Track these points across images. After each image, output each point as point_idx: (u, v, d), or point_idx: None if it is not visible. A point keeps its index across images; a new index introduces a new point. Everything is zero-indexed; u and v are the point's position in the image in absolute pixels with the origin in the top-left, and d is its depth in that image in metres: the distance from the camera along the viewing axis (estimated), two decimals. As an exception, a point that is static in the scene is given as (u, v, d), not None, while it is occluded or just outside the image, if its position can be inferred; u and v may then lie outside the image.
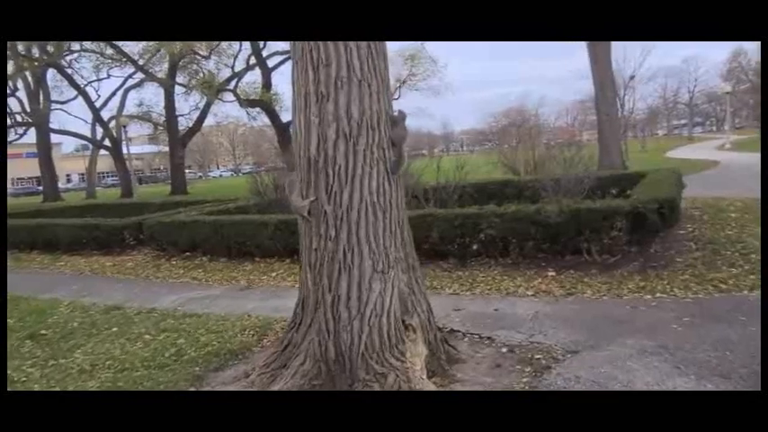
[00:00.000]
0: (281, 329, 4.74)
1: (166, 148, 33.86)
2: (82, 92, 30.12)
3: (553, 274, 6.25)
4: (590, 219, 6.24)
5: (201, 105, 30.32)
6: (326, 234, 3.43)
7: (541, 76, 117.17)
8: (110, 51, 26.92)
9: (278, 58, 27.00)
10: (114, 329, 5.50)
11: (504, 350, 4.14)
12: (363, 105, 3.38)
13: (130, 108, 32.51)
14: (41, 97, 31.35)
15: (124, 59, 27.49)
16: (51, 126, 32.93)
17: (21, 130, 33.33)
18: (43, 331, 5.57)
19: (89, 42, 25.28)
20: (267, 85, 26.42)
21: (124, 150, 30.56)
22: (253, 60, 27.26)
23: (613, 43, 16.99)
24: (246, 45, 26.44)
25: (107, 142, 31.92)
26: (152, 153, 54.06)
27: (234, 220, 8.90)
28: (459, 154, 49.16)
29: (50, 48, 25.80)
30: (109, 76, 30.62)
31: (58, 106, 33.05)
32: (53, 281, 8.84)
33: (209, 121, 35.60)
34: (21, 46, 24.29)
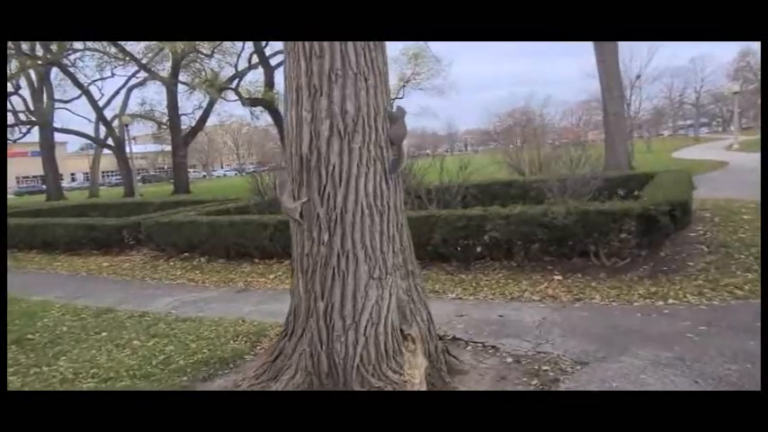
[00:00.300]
0: (276, 336, 4.52)
1: (169, 147, 33.69)
2: (85, 91, 30.03)
3: (560, 278, 6.03)
4: (599, 221, 6.01)
5: (204, 104, 30.21)
6: (319, 238, 3.20)
7: (546, 77, 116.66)
8: (113, 50, 26.81)
9: (281, 57, 26.75)
10: (104, 334, 5.30)
11: (510, 360, 3.91)
12: (359, 101, 3.16)
13: (133, 107, 32.46)
14: (45, 96, 31.27)
15: (127, 58, 27.40)
16: (55, 125, 32.88)
17: (24, 129, 33.26)
18: (30, 336, 5.37)
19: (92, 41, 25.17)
20: (270, 83, 26.26)
21: (127, 149, 30.44)
22: (255, 59, 27.10)
23: (620, 43, 16.72)
24: (249, 43, 26.28)
25: (110, 141, 31.83)
26: (155, 152, 53.97)
27: (232, 221, 8.71)
28: (464, 154, 48.86)
29: (54, 47, 25.70)
30: (113, 74, 30.62)
31: (62, 105, 33.00)
32: (48, 282, 8.68)
33: (212, 120, 35.57)
34: (24, 45, 24.23)
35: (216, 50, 27.14)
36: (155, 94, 46.57)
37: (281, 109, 25.90)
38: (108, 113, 31.72)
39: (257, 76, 27.97)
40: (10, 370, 4.37)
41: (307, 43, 3.12)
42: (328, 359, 3.19)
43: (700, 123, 71.40)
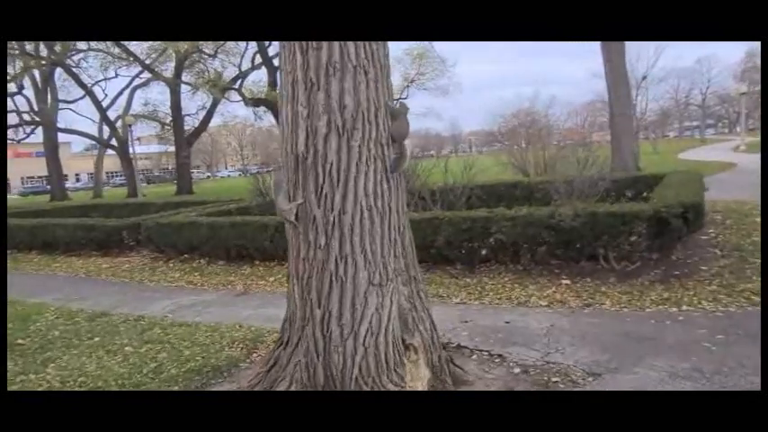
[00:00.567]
0: (274, 343, 4.34)
1: (173, 148, 33.63)
2: (89, 91, 30.02)
3: (568, 282, 5.83)
4: (608, 223, 5.80)
5: (208, 105, 30.12)
6: (316, 242, 3.01)
7: (551, 77, 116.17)
8: (116, 50, 26.77)
9: (284, 57, 26.64)
10: (96, 339, 5.13)
11: (517, 371, 3.72)
12: (359, 95, 2.96)
13: (137, 107, 32.39)
14: (49, 96, 31.26)
15: (131, 58, 27.35)
16: (59, 125, 32.86)
17: (28, 129, 33.26)
18: (21, 341, 5.21)
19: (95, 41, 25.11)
20: (273, 83, 26.09)
21: (130, 150, 30.38)
22: (258, 59, 26.96)
23: (627, 43, 16.47)
24: (253, 43, 26.16)
25: (114, 142, 31.78)
26: (159, 152, 53.97)
27: (232, 222, 8.54)
28: (468, 155, 48.60)
29: (57, 47, 25.66)
30: (116, 75, 30.59)
31: (66, 105, 33.02)
32: (46, 283, 8.54)
33: (216, 121, 35.45)
34: (28, 45, 24.20)
35: (219, 50, 27.06)
36: (158, 95, 46.56)
37: (284, 109, 25.79)
38: (111, 114, 31.75)
39: (260, 75, 27.92)
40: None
41: (303, 35, 2.94)
42: (325, 371, 3.00)
43: (706, 125, 70.89)
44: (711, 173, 16.54)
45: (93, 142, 37.56)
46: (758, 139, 39.51)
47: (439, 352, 3.41)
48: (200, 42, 23.85)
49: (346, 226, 2.99)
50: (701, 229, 7.14)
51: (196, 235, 8.78)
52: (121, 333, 5.28)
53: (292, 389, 3.07)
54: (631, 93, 26.30)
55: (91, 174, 49.04)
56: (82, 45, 26.86)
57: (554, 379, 3.52)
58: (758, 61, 53.96)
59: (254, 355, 4.40)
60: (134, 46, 26.09)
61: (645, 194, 8.27)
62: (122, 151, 31.21)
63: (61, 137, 34.41)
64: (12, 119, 31.05)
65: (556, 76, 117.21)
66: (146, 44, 25.95)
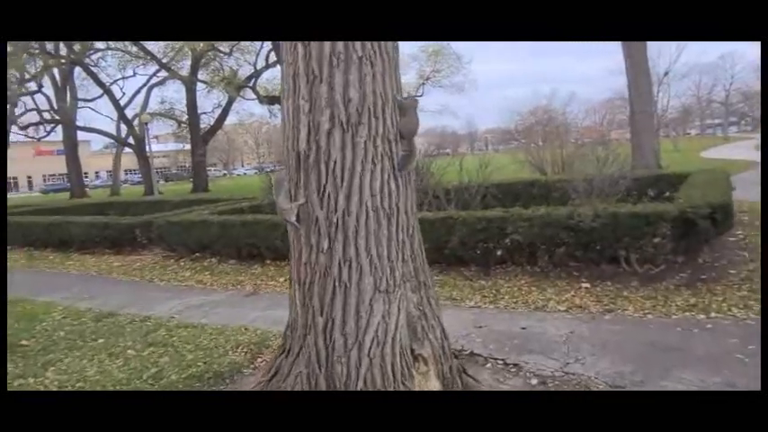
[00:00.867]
0: (278, 348, 4.18)
1: (189, 146, 33.83)
2: (107, 90, 30.30)
3: (587, 285, 5.58)
4: (630, 224, 5.53)
5: (224, 103, 30.21)
6: (318, 245, 2.83)
7: (563, 76, 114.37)
8: (134, 49, 26.93)
9: (299, 55, 26.55)
10: (100, 341, 5.03)
11: (534, 382, 3.50)
12: (364, 88, 2.77)
13: (154, 106, 32.63)
14: (68, 95, 31.63)
15: (148, 57, 27.50)
16: (78, 123, 33.26)
17: (48, 128, 33.73)
18: (25, 342, 5.13)
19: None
20: (287, 81, 26.01)
21: (147, 148, 30.61)
22: (273, 57, 26.90)
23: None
24: (267, 42, 26.09)
25: (131, 140, 32.06)
26: (176, 150, 54.47)
27: (243, 221, 8.42)
28: (484, 153, 48.13)
29: (77, 47, 25.90)
30: (134, 74, 30.80)
31: (85, 104, 33.40)
32: (58, 281, 8.54)
33: (232, 119, 35.58)
34: (48, 44, 24.47)
35: (234, 49, 27.05)
36: (174, 93, 46.86)
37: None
38: (129, 112, 32.00)
39: (275, 73, 27.78)
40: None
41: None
42: (327, 383, 2.81)
43: (729, 122, 69.21)
44: (736, 172, 15.97)
45: (112, 140, 37.93)
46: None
47: (450, 362, 3.20)
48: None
49: (351, 228, 2.80)
50: (729, 230, 6.82)
51: (207, 234, 8.69)
52: (126, 335, 5.17)
53: (292, 401, 2.90)
54: (653, 89, 25.71)
55: (109, 171, 49.67)
56: (100, 44, 27.08)
57: (574, 392, 3.30)
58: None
59: (259, 360, 4.24)
60: (151, 45, 26.23)
61: (668, 194, 7.96)
62: (139, 149, 31.45)
63: (81, 135, 34.83)
64: (32, 117, 31.53)
65: (568, 74, 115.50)
66: (162, 43, 26.09)
